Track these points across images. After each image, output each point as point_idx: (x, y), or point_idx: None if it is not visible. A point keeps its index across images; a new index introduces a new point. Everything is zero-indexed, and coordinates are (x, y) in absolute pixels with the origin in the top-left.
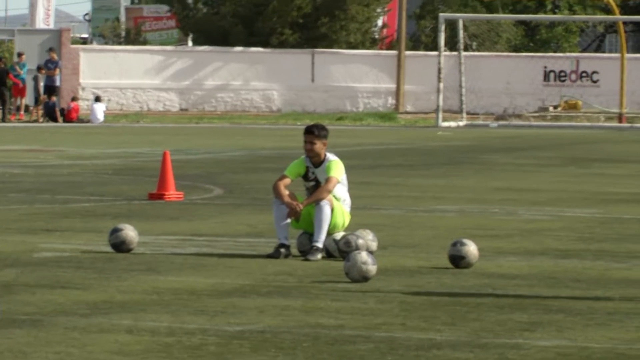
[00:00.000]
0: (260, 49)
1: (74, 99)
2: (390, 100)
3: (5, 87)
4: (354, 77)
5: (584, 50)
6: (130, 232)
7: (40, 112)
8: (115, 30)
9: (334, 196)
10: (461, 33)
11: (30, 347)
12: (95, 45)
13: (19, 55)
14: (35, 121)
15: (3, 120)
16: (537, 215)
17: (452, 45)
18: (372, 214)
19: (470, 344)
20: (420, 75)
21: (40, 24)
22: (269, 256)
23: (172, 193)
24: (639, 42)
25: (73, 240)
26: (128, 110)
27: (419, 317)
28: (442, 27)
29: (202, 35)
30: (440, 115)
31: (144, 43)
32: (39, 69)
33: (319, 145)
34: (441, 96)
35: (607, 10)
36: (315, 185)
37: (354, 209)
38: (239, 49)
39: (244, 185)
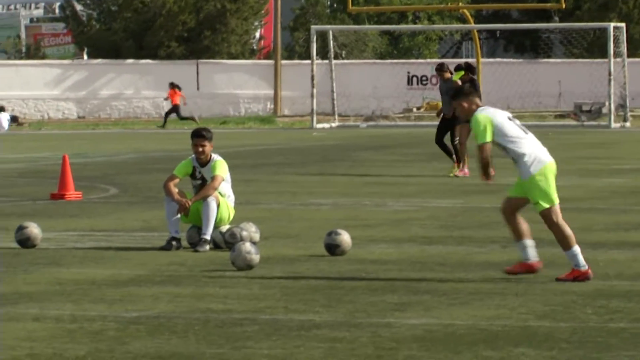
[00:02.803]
0: (150, 61)
1: None
2: (269, 105)
3: None
4: (236, 85)
5: (443, 56)
6: (34, 229)
7: None
8: (17, 46)
9: (219, 193)
10: (331, 43)
11: None
12: None
13: None
14: None
15: None
16: (404, 206)
17: (323, 54)
18: (254, 208)
19: (346, 323)
20: (295, 82)
21: None
22: (162, 248)
23: (72, 193)
24: (492, 48)
25: None
26: (30, 119)
27: (299, 301)
28: (314, 38)
29: (96, 49)
30: (315, 117)
31: (43, 57)
32: None
33: (208, 147)
34: (315, 100)
35: (463, 20)
36: (202, 183)
37: (237, 204)
38: (130, 61)
39: (137, 185)
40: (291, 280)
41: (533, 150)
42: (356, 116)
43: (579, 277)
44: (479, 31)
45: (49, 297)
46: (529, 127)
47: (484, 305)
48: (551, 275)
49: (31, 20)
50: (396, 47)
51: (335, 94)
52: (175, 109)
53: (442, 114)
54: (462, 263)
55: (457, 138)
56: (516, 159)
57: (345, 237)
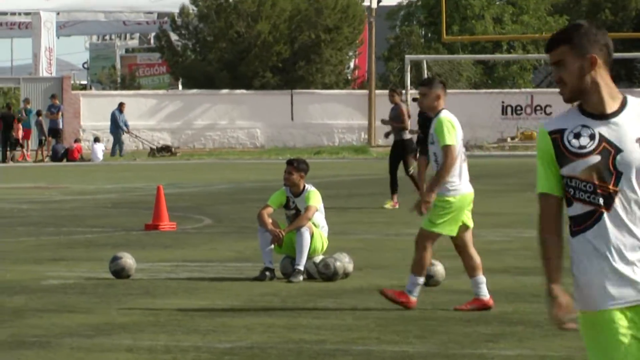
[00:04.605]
0: (244, 91)
1: (76, 140)
2: (363, 135)
3: (12, 131)
4: (330, 115)
5: (538, 85)
6: (128, 260)
7: (45, 152)
8: (112, 76)
9: (313, 223)
10: (426, 72)
11: None
12: (93, 91)
13: (26, 101)
14: (41, 161)
15: (11, 160)
16: (498, 237)
17: (417, 83)
18: (348, 238)
19: (440, 354)
20: (389, 111)
21: (43, 72)
22: (256, 279)
23: (166, 224)
24: None
25: (77, 268)
26: (125, 149)
27: (393, 332)
28: (408, 68)
29: (191, 79)
30: None
31: (138, 88)
32: (38, 113)
33: (295, 177)
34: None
35: None
36: (295, 213)
37: (331, 234)
38: (224, 91)
39: (231, 215)
40: (384, 311)
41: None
42: None
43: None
44: None
45: (143, 327)
46: None
47: (577, 337)
48: None
49: (126, 51)
50: (490, 77)
51: None
52: None
53: (390, 134)
54: None
55: (412, 168)
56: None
57: (439, 268)
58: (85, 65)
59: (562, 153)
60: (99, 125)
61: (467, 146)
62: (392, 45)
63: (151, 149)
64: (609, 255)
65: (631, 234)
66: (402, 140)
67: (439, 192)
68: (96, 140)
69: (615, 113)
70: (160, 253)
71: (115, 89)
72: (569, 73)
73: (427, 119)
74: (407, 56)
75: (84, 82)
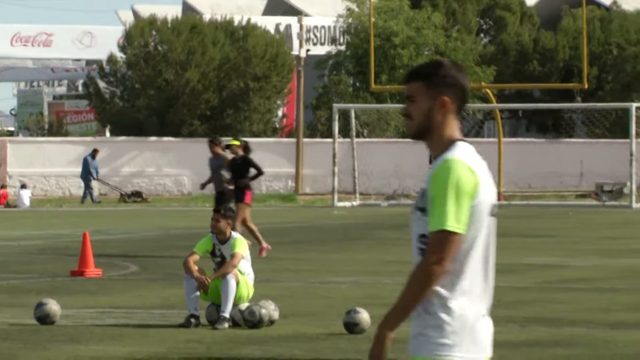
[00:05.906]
0: (172, 139)
1: (2, 186)
2: (291, 183)
3: None
4: (257, 163)
5: (466, 135)
6: (53, 306)
7: None
8: (39, 123)
9: (238, 270)
10: (353, 121)
11: None
12: (21, 137)
13: None
14: None
15: None
16: None
17: (345, 132)
18: (273, 286)
19: None
20: (317, 160)
21: None
22: (181, 326)
23: (92, 270)
24: (514, 128)
25: (1, 314)
26: (52, 195)
27: None
28: (336, 117)
29: (118, 126)
30: (336, 196)
31: (66, 134)
32: None
33: (223, 224)
34: (336, 179)
35: (485, 99)
36: (221, 260)
37: (257, 281)
38: (152, 138)
39: (157, 262)
40: (310, 359)
41: None
42: (377, 195)
43: None
44: (501, 110)
45: None
46: (551, 207)
47: None
48: (567, 355)
49: (54, 97)
50: None
51: (356, 173)
52: None
53: (207, 184)
54: None
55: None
56: None
57: (364, 316)
58: (13, 112)
59: None
60: (26, 171)
61: (395, 195)
62: (321, 94)
63: (121, 194)
64: None
65: None
66: (223, 191)
67: None
68: (23, 186)
69: (434, 159)
70: (85, 299)
71: (43, 135)
72: (417, 110)
73: (239, 164)
74: (335, 105)
75: (11, 128)
